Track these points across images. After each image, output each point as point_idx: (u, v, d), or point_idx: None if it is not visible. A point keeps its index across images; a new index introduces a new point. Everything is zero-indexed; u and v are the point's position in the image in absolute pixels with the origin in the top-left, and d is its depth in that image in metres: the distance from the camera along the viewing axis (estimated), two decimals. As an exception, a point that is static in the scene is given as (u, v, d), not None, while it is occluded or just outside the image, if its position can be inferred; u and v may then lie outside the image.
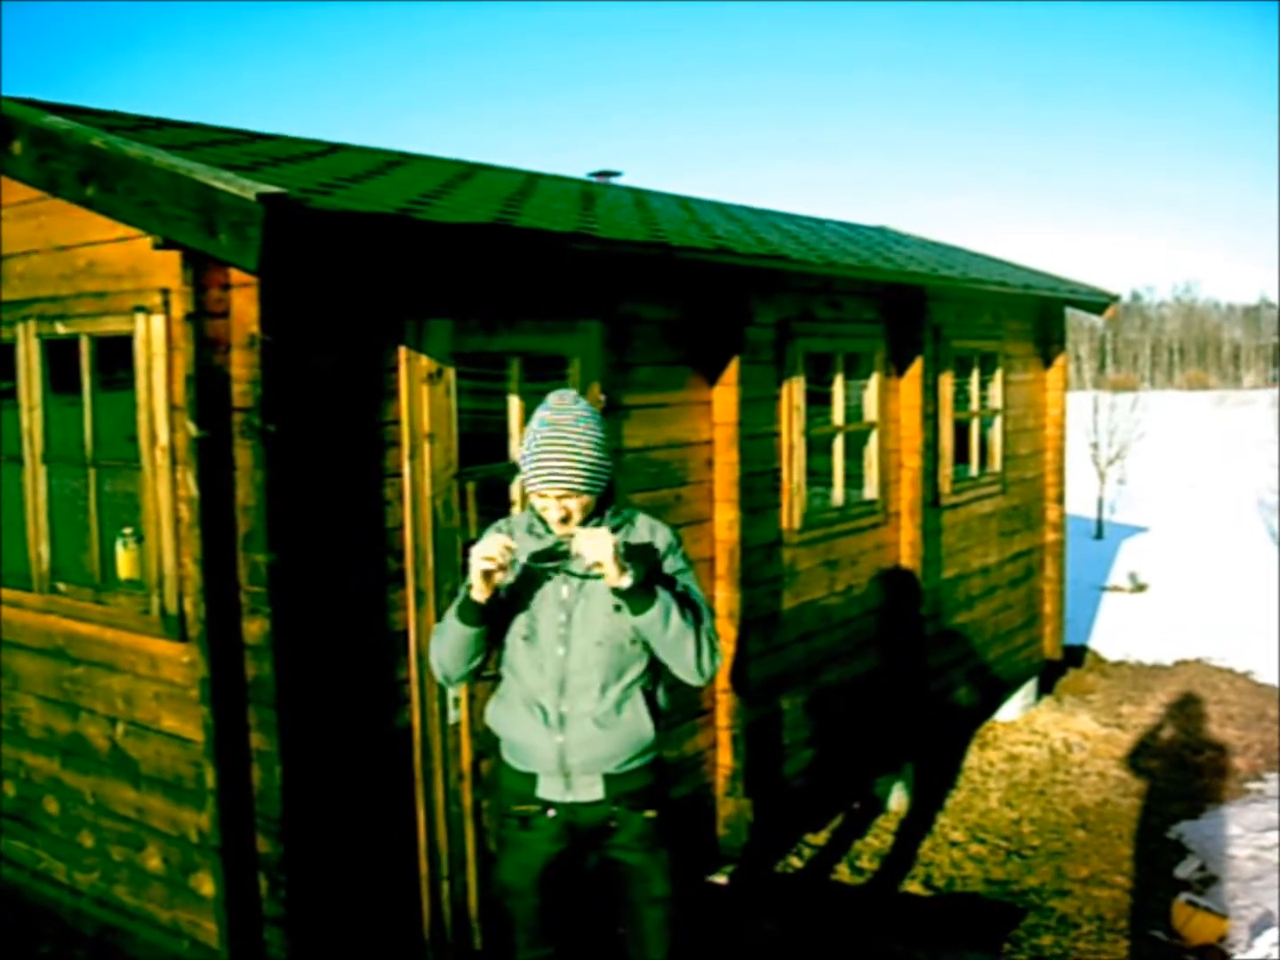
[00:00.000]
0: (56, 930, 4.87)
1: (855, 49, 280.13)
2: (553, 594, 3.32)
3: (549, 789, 3.35)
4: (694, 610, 3.27)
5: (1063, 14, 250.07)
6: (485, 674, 3.49)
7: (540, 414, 3.31)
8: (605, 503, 3.34)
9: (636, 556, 3.23)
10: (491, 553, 3.13)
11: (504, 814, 3.48)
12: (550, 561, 3.29)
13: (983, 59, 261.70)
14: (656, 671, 3.40)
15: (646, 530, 3.38)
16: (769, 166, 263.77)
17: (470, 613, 3.24)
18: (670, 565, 3.36)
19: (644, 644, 3.31)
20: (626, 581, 3.14)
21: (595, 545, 3.12)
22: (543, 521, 3.33)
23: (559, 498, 3.21)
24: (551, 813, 3.36)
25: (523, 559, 3.28)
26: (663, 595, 3.19)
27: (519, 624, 3.34)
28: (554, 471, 3.18)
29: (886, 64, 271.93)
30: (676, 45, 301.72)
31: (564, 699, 3.29)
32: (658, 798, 3.41)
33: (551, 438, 3.22)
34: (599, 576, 3.20)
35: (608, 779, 3.32)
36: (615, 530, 3.27)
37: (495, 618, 3.31)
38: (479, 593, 3.19)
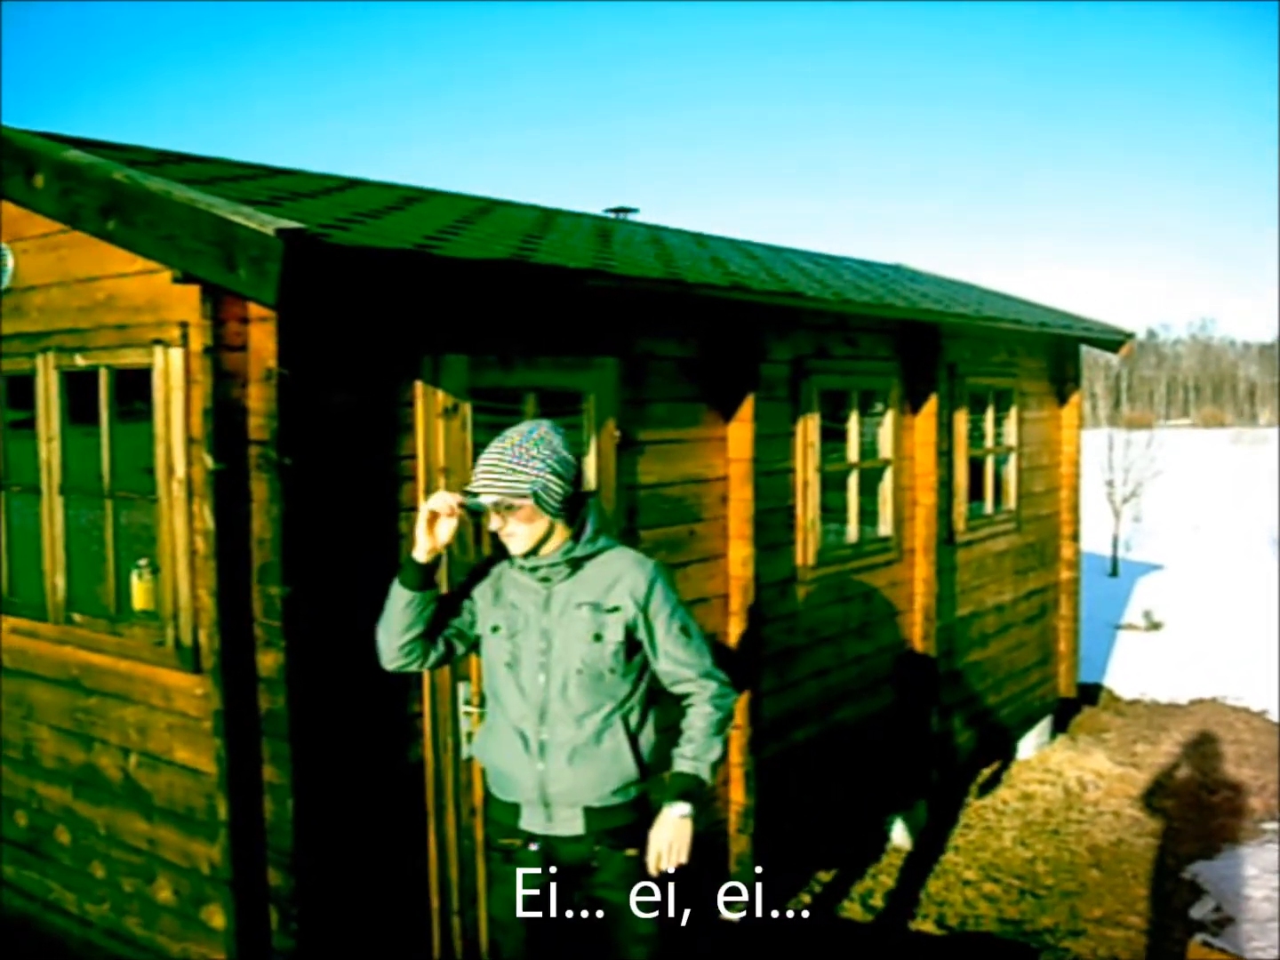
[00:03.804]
0: (66, 962, 4.87)
1: (872, 86, 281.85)
2: (535, 621, 3.35)
3: (531, 820, 3.37)
4: (707, 702, 3.44)
5: (1079, 48, 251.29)
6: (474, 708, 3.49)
7: None
8: (580, 529, 3.36)
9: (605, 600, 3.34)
10: (436, 503, 3.26)
11: (489, 847, 3.51)
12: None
13: (999, 95, 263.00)
14: (644, 706, 3.42)
15: (621, 564, 3.38)
16: (786, 203, 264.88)
17: (409, 574, 3.31)
18: (656, 607, 3.36)
19: (627, 675, 3.34)
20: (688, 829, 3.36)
21: (666, 841, 3.33)
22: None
23: (492, 506, 3.26)
24: (534, 846, 3.38)
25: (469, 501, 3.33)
26: (698, 773, 3.41)
27: (502, 650, 3.38)
28: (479, 478, 3.26)
29: (903, 101, 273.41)
30: (695, 84, 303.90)
31: (544, 726, 3.32)
32: (641, 836, 3.39)
33: (489, 452, 3.30)
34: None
35: (588, 813, 3.33)
36: (586, 559, 3.34)
37: (434, 590, 3.37)
38: (420, 551, 3.28)
